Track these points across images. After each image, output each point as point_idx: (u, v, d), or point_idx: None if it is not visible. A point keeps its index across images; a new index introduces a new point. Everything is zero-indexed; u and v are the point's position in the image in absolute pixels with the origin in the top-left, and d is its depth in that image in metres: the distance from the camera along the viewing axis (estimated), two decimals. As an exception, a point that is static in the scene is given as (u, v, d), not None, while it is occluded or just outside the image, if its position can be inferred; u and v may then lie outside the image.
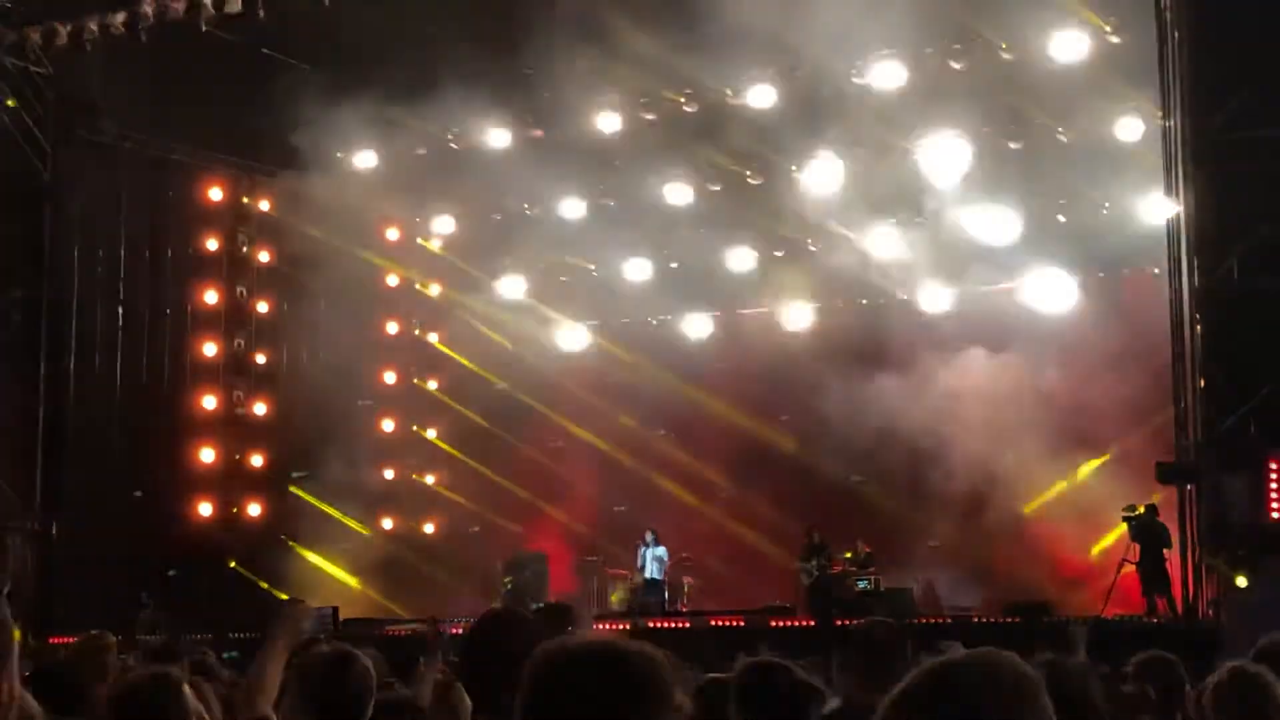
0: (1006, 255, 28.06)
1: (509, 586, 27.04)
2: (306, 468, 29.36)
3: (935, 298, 28.76)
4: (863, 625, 7.04)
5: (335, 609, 24.89)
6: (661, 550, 26.56)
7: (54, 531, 25.29)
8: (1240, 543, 20.03)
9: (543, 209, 30.37)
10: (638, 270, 31.21)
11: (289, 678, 5.50)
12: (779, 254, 29.87)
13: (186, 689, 5.59)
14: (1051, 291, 28.14)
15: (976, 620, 22.46)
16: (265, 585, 27.89)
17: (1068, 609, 23.11)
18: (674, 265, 31.00)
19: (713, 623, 23.41)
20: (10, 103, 25.51)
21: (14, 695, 2.91)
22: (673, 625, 23.77)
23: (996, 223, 27.58)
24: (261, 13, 23.61)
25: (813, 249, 29.24)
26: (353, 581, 29.25)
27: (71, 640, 8.17)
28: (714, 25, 24.04)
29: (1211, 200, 20.55)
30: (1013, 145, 26.67)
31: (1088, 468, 26.74)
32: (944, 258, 28.00)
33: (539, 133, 28.10)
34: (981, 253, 27.99)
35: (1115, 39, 24.10)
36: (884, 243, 28.27)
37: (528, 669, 2.97)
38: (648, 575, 26.48)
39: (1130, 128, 25.46)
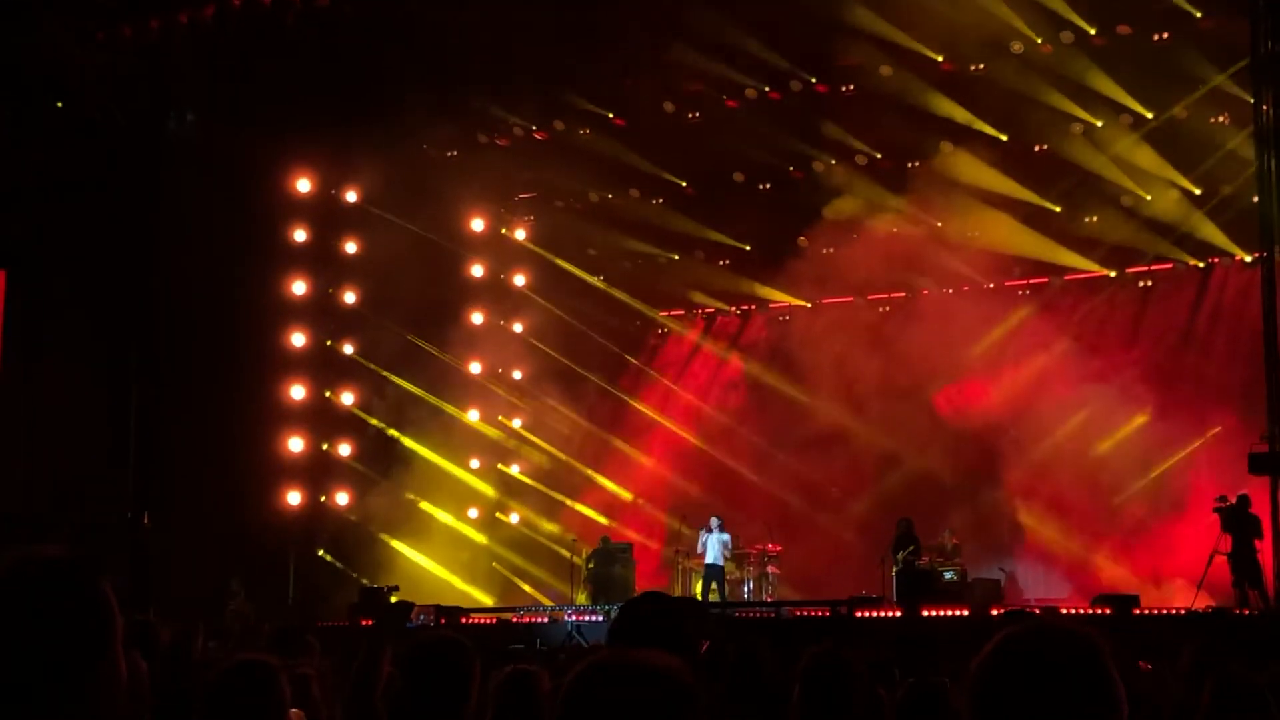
0: (1097, 242, 27.85)
1: (596, 578, 27.11)
2: (390, 460, 29.54)
3: (1025, 285, 28.61)
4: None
5: (436, 606, 24.93)
6: (725, 536, 26.38)
7: (146, 521, 25.59)
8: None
9: (625, 197, 30.43)
10: (722, 257, 31.20)
11: (396, 666, 5.57)
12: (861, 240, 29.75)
13: (283, 677, 5.64)
14: (1141, 278, 27.89)
15: (1064, 611, 22.23)
16: (354, 574, 28.13)
17: (1157, 600, 22.94)
18: (759, 252, 30.92)
19: (796, 613, 23.35)
20: None
21: (119, 679, 2.94)
22: (756, 615, 23.74)
23: (1084, 207, 27.42)
24: (349, 5, 23.82)
25: (897, 234, 29.11)
26: (438, 570, 29.41)
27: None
28: (795, 13, 24.01)
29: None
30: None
31: (1179, 457, 26.46)
32: (1036, 244, 27.79)
33: (621, 121, 28.13)
34: (1071, 239, 27.80)
35: (1205, 22, 23.82)
36: (973, 231, 28.10)
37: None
38: (709, 560, 26.38)
39: (1222, 112, 25.19)
